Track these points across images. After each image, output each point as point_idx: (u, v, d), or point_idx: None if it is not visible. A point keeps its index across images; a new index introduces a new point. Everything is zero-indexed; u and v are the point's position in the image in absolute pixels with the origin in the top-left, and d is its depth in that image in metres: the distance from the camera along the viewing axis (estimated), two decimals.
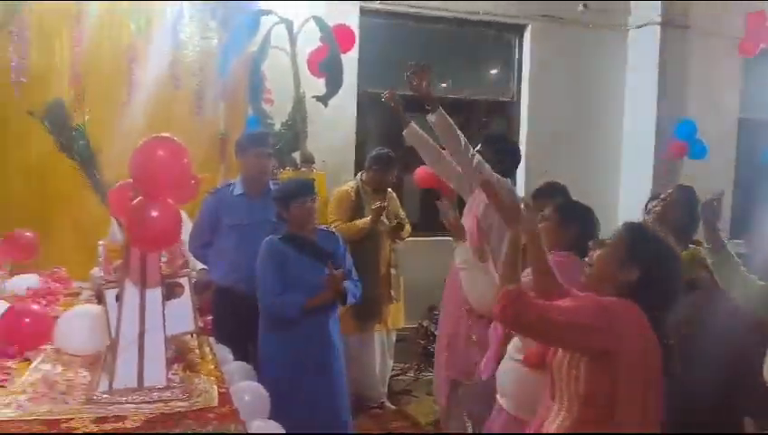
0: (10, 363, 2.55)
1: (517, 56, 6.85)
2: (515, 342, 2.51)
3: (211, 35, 5.26)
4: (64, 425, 1.96)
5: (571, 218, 2.65)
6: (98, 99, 5.09)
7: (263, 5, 5.12)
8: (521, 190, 5.95)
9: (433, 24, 6.50)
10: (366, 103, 6.15)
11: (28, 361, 2.61)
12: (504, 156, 3.65)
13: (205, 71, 5.31)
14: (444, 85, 6.58)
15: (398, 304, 4.94)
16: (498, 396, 2.57)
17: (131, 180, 2.32)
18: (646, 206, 3.62)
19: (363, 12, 6.02)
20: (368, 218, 4.52)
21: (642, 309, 1.91)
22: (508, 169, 3.69)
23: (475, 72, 6.98)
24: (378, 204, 4.50)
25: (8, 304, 2.93)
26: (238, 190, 3.74)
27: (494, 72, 7.09)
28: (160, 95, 5.23)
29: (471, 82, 6.82)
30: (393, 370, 5.22)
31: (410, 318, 5.41)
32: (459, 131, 3.47)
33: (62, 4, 5.06)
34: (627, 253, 1.98)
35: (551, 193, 3.21)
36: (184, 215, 3.28)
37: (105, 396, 2.18)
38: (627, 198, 6.84)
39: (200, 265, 3.91)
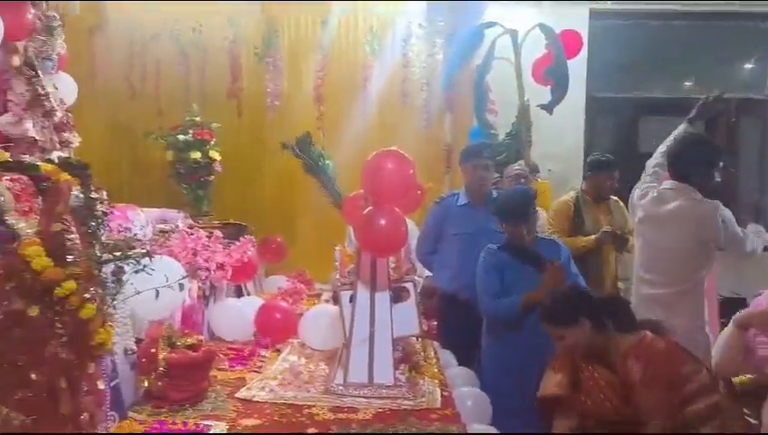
0: (264, 353, 2.91)
1: None
2: None
3: (437, 51, 5.47)
4: (306, 410, 2.18)
5: None
6: (336, 116, 5.62)
7: (488, 17, 5.21)
8: None
9: (674, 21, 6.01)
10: (595, 109, 5.90)
11: (278, 351, 2.95)
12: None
13: (431, 85, 5.55)
14: (688, 84, 6.08)
15: None
16: None
17: (363, 191, 2.52)
18: None
19: (593, 14, 5.79)
20: (591, 237, 4.26)
21: None
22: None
23: (724, 68, 6.33)
24: (607, 228, 4.24)
25: (261, 301, 3.33)
26: (462, 200, 3.82)
27: (747, 66, 6.37)
28: (390, 110, 5.62)
29: (718, 79, 6.18)
30: None
31: None
32: None
33: (309, 35, 5.67)
34: None
35: None
36: (411, 223, 3.47)
37: (340, 388, 2.38)
38: None
39: (427, 272, 4.07)
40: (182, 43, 5.63)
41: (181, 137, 5.15)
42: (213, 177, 5.30)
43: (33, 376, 1.26)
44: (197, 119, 5.24)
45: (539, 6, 5.57)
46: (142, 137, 5.43)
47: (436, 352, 3.06)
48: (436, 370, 2.76)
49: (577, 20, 5.54)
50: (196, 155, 5.11)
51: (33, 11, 3.68)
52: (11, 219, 1.81)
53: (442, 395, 2.42)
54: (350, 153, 5.19)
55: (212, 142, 5.22)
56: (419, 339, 3.01)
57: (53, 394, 1.29)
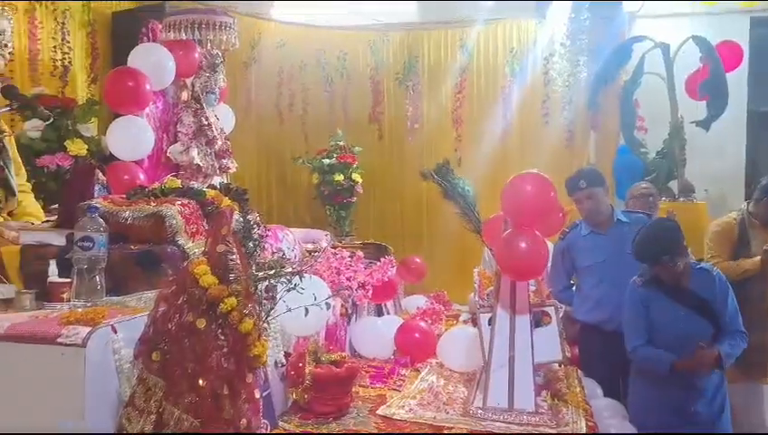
0: (403, 371, 2.96)
1: None
2: None
3: (580, 69, 5.32)
4: (445, 432, 2.19)
5: None
6: (475, 137, 5.65)
7: (635, 31, 5.02)
8: None
9: None
10: (757, 125, 5.45)
11: (417, 371, 2.99)
12: None
13: (574, 104, 5.40)
14: None
15: None
16: None
17: (503, 213, 2.51)
18: None
19: (755, 22, 5.38)
20: (757, 259, 3.89)
21: None
22: None
23: None
24: None
25: (401, 320, 3.40)
26: (585, 230, 3.66)
27: None
28: (531, 131, 5.55)
29: None
30: None
31: None
32: None
33: (449, 57, 5.76)
34: None
35: None
36: (552, 246, 3.38)
37: (480, 412, 2.37)
38: None
39: None
40: (327, 71, 5.94)
41: (326, 160, 5.42)
42: (355, 198, 5.51)
43: (201, 382, 1.39)
44: (341, 143, 5.49)
45: (693, 18, 5.27)
46: (290, 161, 5.77)
47: (580, 381, 2.95)
48: (580, 399, 2.65)
49: (735, 30, 5.17)
50: (340, 178, 5.35)
51: (199, 50, 4.08)
52: (181, 240, 2.01)
53: (587, 425, 2.33)
54: (489, 174, 5.20)
55: (354, 165, 5.44)
56: (562, 366, 2.91)
57: (217, 400, 1.41)
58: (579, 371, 3.16)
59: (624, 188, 4.64)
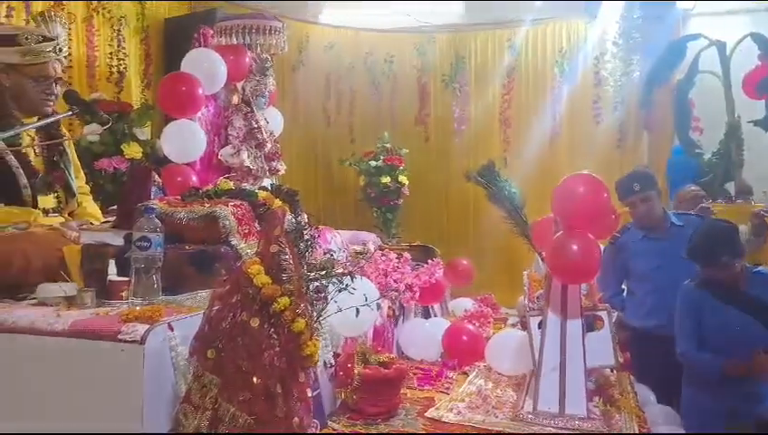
0: (451, 374, 2.95)
1: None
2: None
3: (633, 69, 5.22)
4: None
5: None
6: (523, 138, 5.60)
7: (689, 29, 4.89)
8: None
9: None
10: None
11: (465, 374, 2.97)
12: None
13: (626, 104, 5.30)
14: None
15: None
16: None
17: (553, 215, 2.47)
18: None
19: None
20: None
21: None
22: None
23: None
24: None
25: (449, 323, 3.38)
26: (638, 234, 3.56)
27: None
28: (581, 132, 5.46)
29: None
30: None
31: None
32: None
33: (496, 58, 5.72)
34: None
35: None
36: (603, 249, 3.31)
37: (530, 416, 2.34)
38: None
39: None
40: (374, 74, 5.97)
41: (373, 163, 5.45)
42: (401, 200, 5.52)
43: (255, 380, 1.41)
44: (388, 145, 5.51)
45: (751, 15, 5.10)
46: (337, 163, 5.82)
47: (633, 387, 2.88)
48: (633, 405, 2.60)
49: None
50: (386, 180, 5.37)
51: (249, 54, 4.15)
52: (234, 240, 2.05)
53: (640, 432, 2.28)
54: (537, 176, 5.15)
55: (401, 167, 5.45)
56: (614, 371, 2.86)
57: (270, 398, 1.43)
58: (631, 376, 3.09)
59: (679, 190, 4.53)
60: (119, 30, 4.91)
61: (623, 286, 3.70)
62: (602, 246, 2.71)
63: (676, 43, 4.81)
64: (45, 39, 2.41)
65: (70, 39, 4.46)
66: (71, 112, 2.38)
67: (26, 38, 2.37)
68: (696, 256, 2.90)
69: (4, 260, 2.02)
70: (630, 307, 3.60)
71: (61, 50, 2.47)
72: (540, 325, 2.44)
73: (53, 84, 2.48)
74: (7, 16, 4.04)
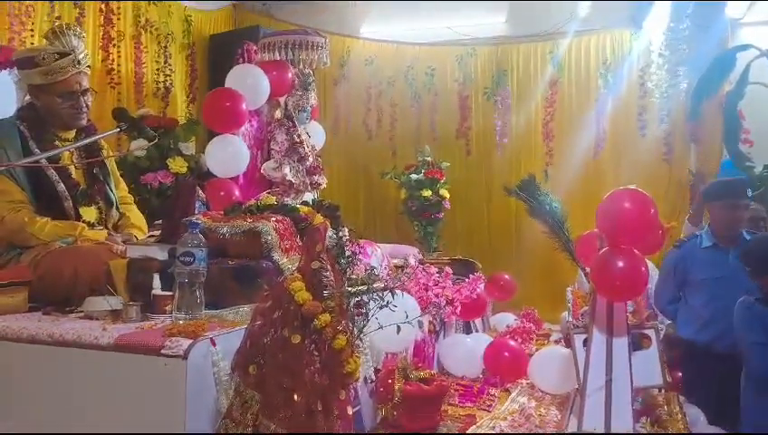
0: (493, 391, 2.90)
1: None
2: None
3: (680, 80, 5.10)
4: None
5: None
6: (566, 151, 5.50)
7: (738, 40, 4.76)
8: None
9: None
10: None
11: (507, 391, 2.93)
12: None
13: (672, 115, 5.18)
14: None
15: None
16: None
17: (597, 230, 2.42)
18: None
19: None
20: None
21: None
22: None
23: None
24: None
25: (491, 338, 3.34)
26: (707, 242, 3.47)
27: None
28: (626, 145, 5.35)
29: None
30: None
31: None
32: None
33: (539, 70, 5.67)
34: None
35: None
36: (650, 265, 3.24)
37: None
38: None
39: (667, 320, 3.75)
40: (415, 87, 5.97)
41: (414, 176, 5.44)
42: (442, 214, 5.48)
43: (295, 397, 1.41)
44: (429, 158, 5.49)
45: None
46: (378, 176, 5.82)
47: (681, 407, 2.79)
48: (682, 426, 2.51)
49: None
50: (427, 193, 5.35)
51: (292, 70, 4.20)
52: (276, 255, 2.06)
53: None
54: (581, 190, 5.06)
55: (442, 181, 5.42)
56: (662, 391, 2.77)
57: (311, 416, 1.43)
58: (680, 396, 3.00)
59: None
60: (165, 46, 5.03)
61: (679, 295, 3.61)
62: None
63: (724, 53, 4.67)
64: (62, 55, 2.44)
65: (118, 56, 4.60)
66: (118, 129, 2.43)
67: (43, 58, 2.42)
68: (749, 261, 2.82)
69: (53, 274, 2.07)
70: (685, 318, 3.51)
71: (80, 62, 2.50)
72: (585, 343, 2.39)
73: (80, 98, 2.52)
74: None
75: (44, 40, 2.51)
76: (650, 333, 2.47)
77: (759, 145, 4.78)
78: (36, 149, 2.38)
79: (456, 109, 5.92)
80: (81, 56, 2.51)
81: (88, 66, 2.60)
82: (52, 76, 2.43)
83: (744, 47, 4.61)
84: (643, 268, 2.24)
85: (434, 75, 5.93)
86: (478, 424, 2.43)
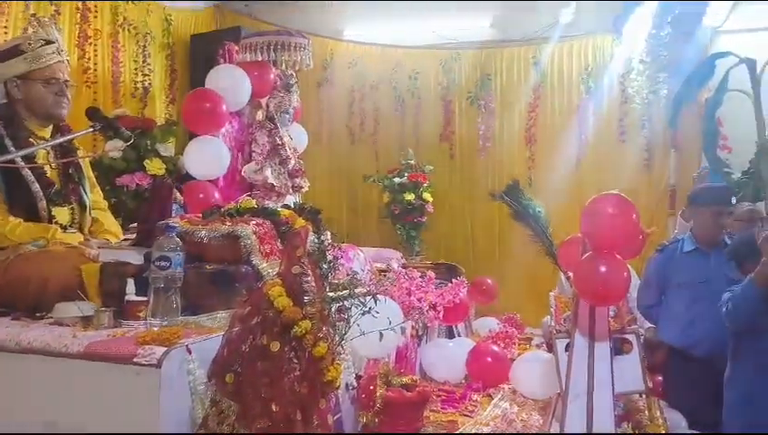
0: (476, 397, 2.88)
1: None
2: None
3: (660, 86, 5.13)
4: None
5: None
6: (548, 156, 5.51)
7: (717, 47, 4.80)
8: None
9: None
10: None
11: (489, 396, 2.91)
12: None
13: (653, 122, 5.21)
14: None
15: None
16: None
17: (580, 235, 2.41)
18: None
19: None
20: None
21: None
22: None
23: None
24: None
25: (473, 343, 3.32)
26: (689, 246, 3.48)
27: None
28: (607, 150, 5.37)
29: None
30: None
31: None
32: None
33: (522, 75, 5.67)
34: None
35: None
36: (631, 270, 3.24)
37: None
38: None
39: (648, 324, 3.76)
40: (399, 91, 5.94)
41: (397, 179, 5.41)
42: (425, 218, 5.46)
43: (274, 407, 1.37)
44: (412, 162, 5.47)
45: None
46: (361, 180, 5.79)
47: (662, 412, 2.80)
48: (663, 431, 2.52)
49: None
50: (410, 197, 5.33)
51: (274, 71, 4.16)
52: (255, 260, 2.02)
53: None
54: (563, 194, 5.06)
55: (425, 184, 5.40)
56: (643, 396, 2.77)
57: (289, 426, 1.38)
58: (661, 401, 3.00)
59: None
60: (144, 46, 4.95)
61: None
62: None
63: (705, 60, 4.71)
64: (47, 42, 2.44)
65: (95, 54, 4.52)
66: (92, 129, 2.37)
67: (29, 44, 2.41)
68: (737, 255, 2.84)
69: (22, 279, 2.01)
70: (665, 322, 3.51)
71: (62, 51, 2.51)
72: (567, 348, 2.38)
73: (63, 86, 2.49)
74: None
75: (28, 29, 2.49)
76: (632, 338, 2.46)
77: (737, 152, 4.83)
78: (12, 148, 2.32)
79: (439, 112, 5.91)
80: (62, 47, 2.51)
81: (67, 59, 2.59)
82: (38, 62, 2.41)
83: (723, 54, 4.64)
84: (625, 273, 2.23)
85: (418, 79, 5.92)
86: (460, 430, 2.41)
